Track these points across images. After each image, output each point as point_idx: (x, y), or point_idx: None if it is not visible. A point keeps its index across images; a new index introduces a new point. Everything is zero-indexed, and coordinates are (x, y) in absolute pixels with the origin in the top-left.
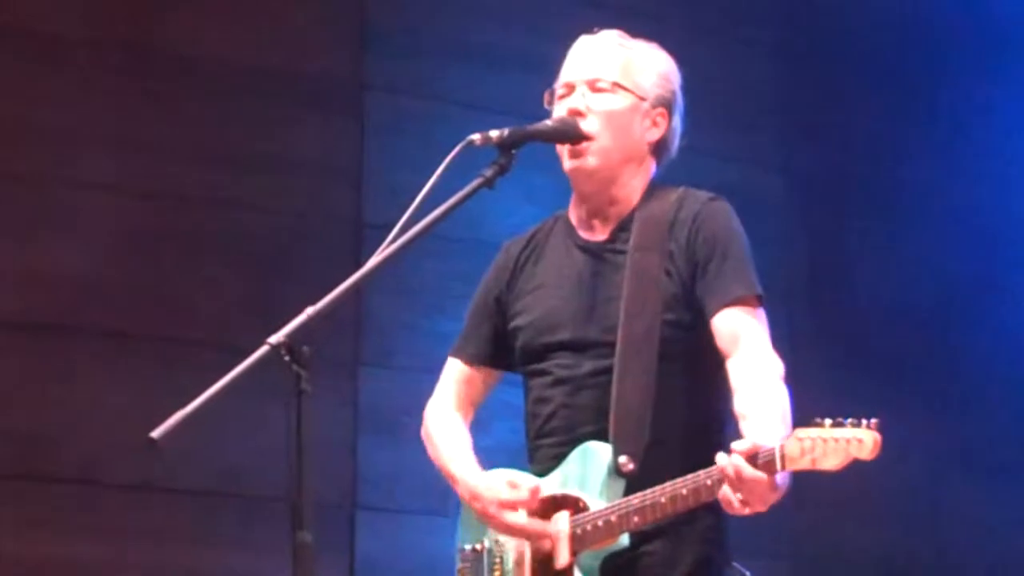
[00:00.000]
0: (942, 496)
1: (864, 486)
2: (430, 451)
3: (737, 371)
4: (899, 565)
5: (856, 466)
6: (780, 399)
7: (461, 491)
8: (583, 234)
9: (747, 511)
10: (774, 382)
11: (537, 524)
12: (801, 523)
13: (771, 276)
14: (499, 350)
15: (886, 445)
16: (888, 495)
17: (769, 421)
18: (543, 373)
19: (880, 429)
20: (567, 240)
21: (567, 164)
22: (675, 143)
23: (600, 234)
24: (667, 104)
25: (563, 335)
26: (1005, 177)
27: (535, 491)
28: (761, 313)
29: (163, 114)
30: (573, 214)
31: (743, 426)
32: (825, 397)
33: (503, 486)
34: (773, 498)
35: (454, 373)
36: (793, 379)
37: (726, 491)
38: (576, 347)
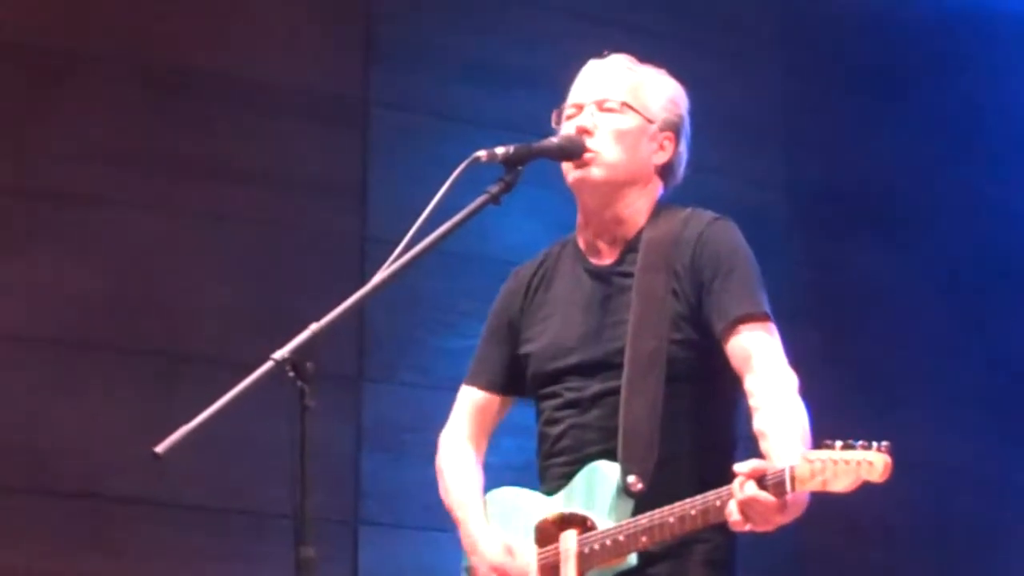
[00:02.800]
0: (947, 515)
1: (872, 505)
2: (440, 488)
3: (753, 390)
4: None
5: (864, 486)
6: (798, 417)
7: (463, 540)
8: (591, 259)
9: (748, 528)
10: (791, 399)
11: None
12: (809, 542)
13: (776, 295)
14: (513, 376)
15: (893, 464)
16: (895, 514)
17: (788, 441)
18: (553, 396)
19: (890, 452)
20: (576, 265)
21: (571, 176)
22: (681, 168)
23: (607, 258)
24: (674, 128)
25: (572, 359)
26: (1013, 193)
27: (525, 572)
28: (771, 328)
29: (166, 128)
30: (580, 238)
31: (763, 446)
32: (831, 417)
33: (499, 551)
34: (779, 519)
35: (468, 402)
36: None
37: (731, 507)
38: (585, 369)
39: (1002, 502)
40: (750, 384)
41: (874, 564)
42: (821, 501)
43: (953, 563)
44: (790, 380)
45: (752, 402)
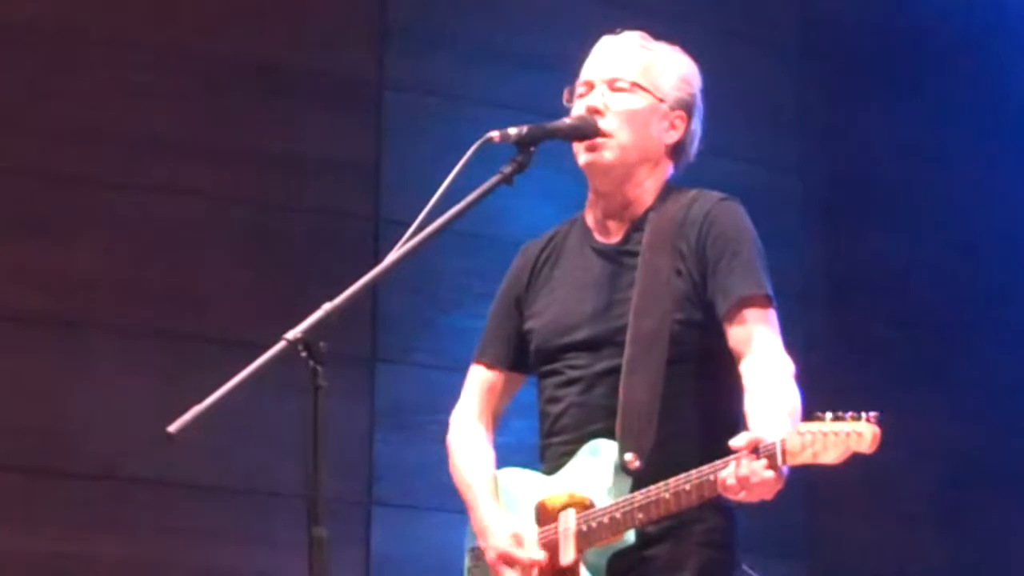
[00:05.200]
0: (959, 501)
1: (881, 489)
2: (451, 467)
3: (748, 372)
4: (914, 570)
5: (874, 469)
6: (789, 397)
7: (472, 523)
8: (599, 237)
9: (743, 496)
10: (784, 382)
11: None
12: (816, 526)
13: (788, 278)
14: (520, 352)
15: (904, 448)
16: (905, 499)
17: (774, 417)
18: (555, 373)
19: (879, 422)
20: (583, 243)
21: (582, 158)
22: (693, 146)
23: (615, 236)
24: (686, 107)
25: (576, 336)
26: None
27: (532, 564)
28: (772, 314)
29: (181, 112)
30: (589, 216)
31: (750, 423)
32: (841, 400)
33: (508, 539)
34: (779, 488)
35: (476, 380)
36: (809, 381)
37: (728, 472)
38: (588, 347)
39: (1012, 489)
40: (745, 366)
41: (883, 548)
42: (832, 484)
43: (962, 549)
44: (786, 365)
45: (745, 383)
